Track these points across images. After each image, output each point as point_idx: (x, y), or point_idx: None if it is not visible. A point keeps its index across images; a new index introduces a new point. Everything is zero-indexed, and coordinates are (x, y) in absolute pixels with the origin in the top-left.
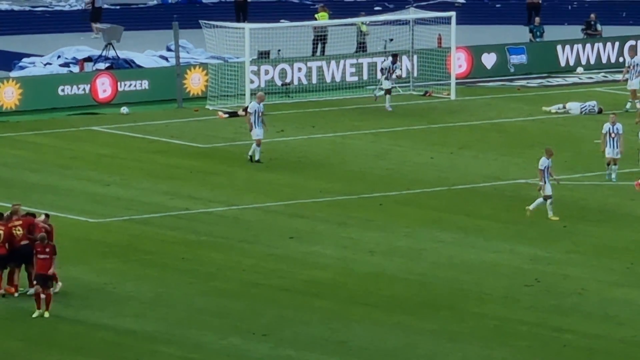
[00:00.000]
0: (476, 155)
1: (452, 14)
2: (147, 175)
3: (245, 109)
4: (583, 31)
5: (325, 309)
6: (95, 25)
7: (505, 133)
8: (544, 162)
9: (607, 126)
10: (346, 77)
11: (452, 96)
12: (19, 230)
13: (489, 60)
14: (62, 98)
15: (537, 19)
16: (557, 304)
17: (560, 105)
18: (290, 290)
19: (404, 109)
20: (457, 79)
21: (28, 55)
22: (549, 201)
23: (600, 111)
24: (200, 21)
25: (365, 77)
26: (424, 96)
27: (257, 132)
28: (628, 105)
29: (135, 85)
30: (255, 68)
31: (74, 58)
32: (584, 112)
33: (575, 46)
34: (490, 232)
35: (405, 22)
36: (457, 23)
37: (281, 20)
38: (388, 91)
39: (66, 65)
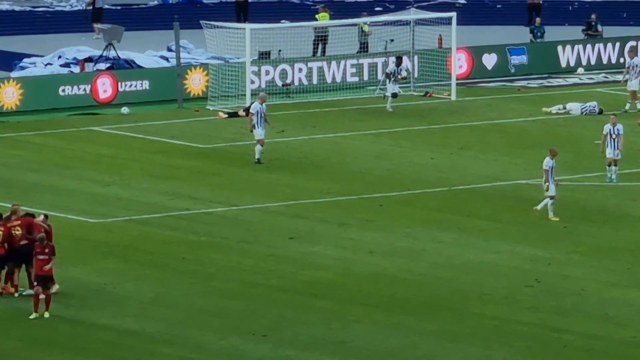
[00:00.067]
0: (476, 156)
1: (453, 14)
2: (147, 175)
3: (247, 109)
4: (584, 32)
5: (325, 309)
6: (97, 26)
7: (505, 134)
8: (548, 162)
9: (607, 127)
10: (347, 78)
11: (453, 97)
12: (17, 230)
13: (489, 60)
14: (62, 98)
15: (537, 20)
16: (557, 304)
17: (561, 106)
18: (290, 290)
19: (404, 110)
20: (457, 79)
21: (29, 56)
22: (550, 201)
23: (600, 112)
24: (201, 21)
25: (365, 77)
26: (425, 97)
27: (259, 132)
28: (627, 106)
29: (135, 86)
30: (255, 68)
31: (75, 58)
32: (584, 113)
33: (576, 47)
34: (491, 232)
35: (406, 23)
36: (458, 23)
37: (282, 21)
38: (394, 94)
39: (67, 65)
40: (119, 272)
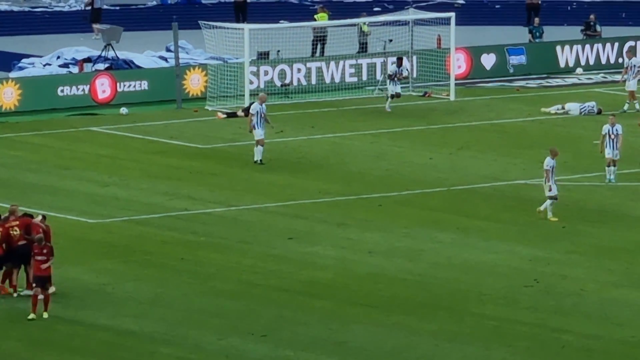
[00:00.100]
0: (475, 156)
1: (452, 14)
2: (146, 175)
3: (245, 110)
4: (582, 32)
5: (324, 309)
6: (95, 26)
7: (504, 134)
8: (549, 162)
9: (606, 127)
10: (345, 78)
11: (452, 97)
12: (16, 230)
13: (488, 60)
14: (61, 99)
15: (536, 20)
16: (556, 304)
17: (560, 106)
18: (289, 290)
19: (403, 110)
20: (456, 79)
21: (27, 56)
22: (550, 202)
23: (599, 112)
24: (199, 22)
25: (364, 77)
26: (424, 97)
27: (259, 133)
28: (626, 107)
29: (134, 86)
30: (254, 69)
31: (74, 59)
32: (583, 113)
33: (575, 47)
34: (490, 232)
35: (405, 23)
36: (457, 24)
37: (281, 21)
38: (397, 94)
39: (65, 65)
40: (118, 273)
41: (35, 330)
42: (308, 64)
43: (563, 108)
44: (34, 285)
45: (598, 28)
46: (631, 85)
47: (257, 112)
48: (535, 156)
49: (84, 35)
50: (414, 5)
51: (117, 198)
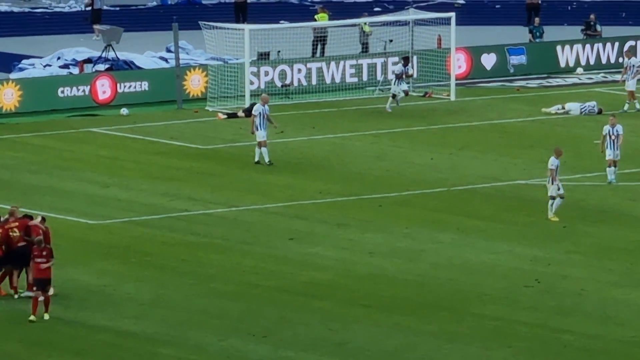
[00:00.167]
0: (476, 156)
1: (452, 14)
2: (146, 176)
3: (246, 110)
4: (583, 32)
5: (324, 310)
6: (96, 27)
7: (505, 134)
8: (553, 161)
9: (607, 128)
10: (346, 78)
11: (452, 97)
12: (15, 232)
13: (488, 61)
14: (61, 99)
15: (536, 20)
16: (556, 304)
17: (560, 106)
18: (289, 291)
19: (403, 110)
20: (456, 79)
21: (28, 57)
22: (550, 202)
23: (600, 112)
24: (199, 22)
25: (365, 78)
26: (424, 97)
27: (262, 134)
28: (626, 107)
29: (134, 87)
30: (255, 69)
31: (74, 59)
32: (583, 113)
33: (575, 47)
34: (490, 232)
35: (405, 23)
36: (457, 24)
37: (281, 22)
38: (406, 92)
39: (66, 66)
40: (119, 274)
41: (36, 332)
42: (308, 65)
43: (563, 108)
44: (34, 288)
45: (598, 28)
46: (630, 85)
47: (260, 113)
48: (536, 156)
49: (84, 36)
50: (414, 6)
51: (117, 199)
